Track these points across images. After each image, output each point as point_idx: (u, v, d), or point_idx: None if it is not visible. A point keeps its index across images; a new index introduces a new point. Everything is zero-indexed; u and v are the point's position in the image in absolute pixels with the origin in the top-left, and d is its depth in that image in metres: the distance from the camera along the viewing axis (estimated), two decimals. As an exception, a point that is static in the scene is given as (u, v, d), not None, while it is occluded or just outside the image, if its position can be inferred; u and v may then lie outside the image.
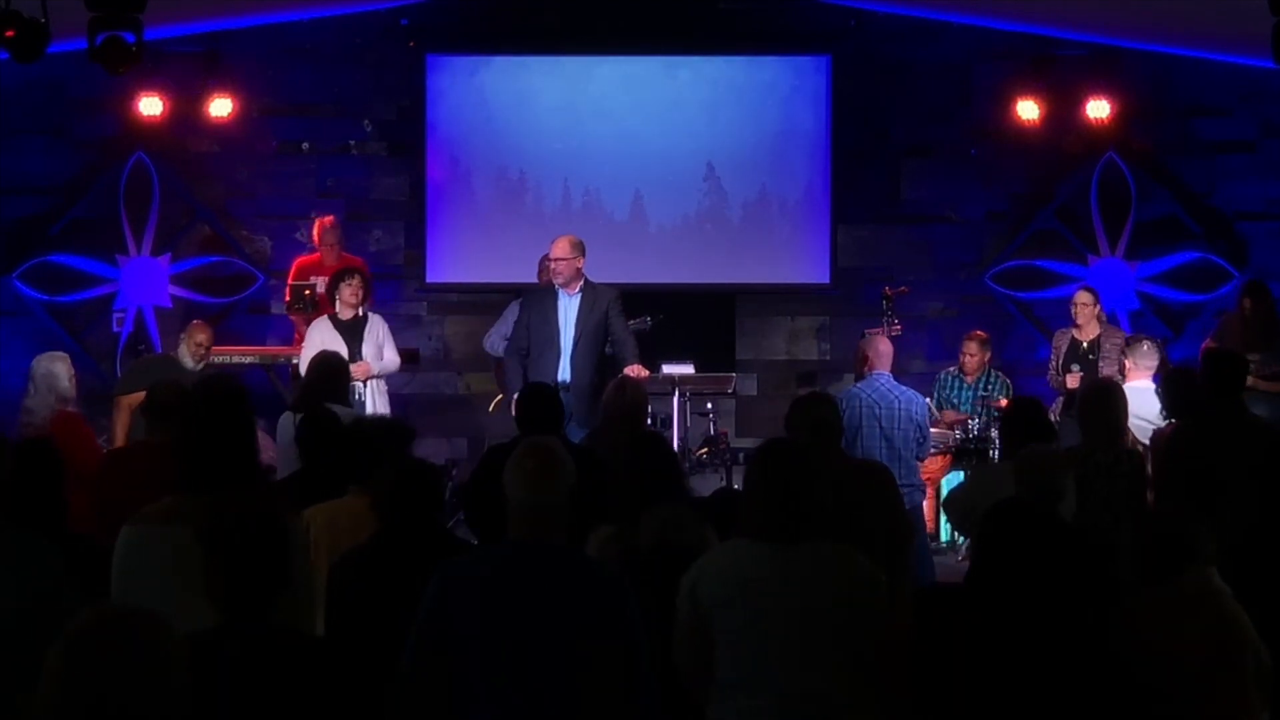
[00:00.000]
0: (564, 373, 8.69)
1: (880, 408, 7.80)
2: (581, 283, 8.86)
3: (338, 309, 9.48)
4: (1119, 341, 9.87)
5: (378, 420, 6.83)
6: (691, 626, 4.24)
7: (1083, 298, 10.05)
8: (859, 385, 8.03)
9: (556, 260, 8.87)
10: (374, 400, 9.34)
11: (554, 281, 8.89)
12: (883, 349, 8.20)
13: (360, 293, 9.48)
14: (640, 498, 5.05)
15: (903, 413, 7.81)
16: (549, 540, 3.97)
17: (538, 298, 9.00)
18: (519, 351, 8.92)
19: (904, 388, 8.15)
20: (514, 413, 8.44)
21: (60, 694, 2.81)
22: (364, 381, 9.29)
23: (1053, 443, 6.45)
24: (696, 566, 4.31)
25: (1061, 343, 10.08)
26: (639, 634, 3.94)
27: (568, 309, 8.84)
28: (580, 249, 8.89)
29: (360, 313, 9.50)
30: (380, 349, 9.45)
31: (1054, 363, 10.08)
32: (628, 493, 5.21)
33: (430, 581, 3.95)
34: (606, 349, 9.18)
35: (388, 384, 9.70)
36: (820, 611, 4.14)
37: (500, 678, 3.85)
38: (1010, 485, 5.81)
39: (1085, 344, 9.92)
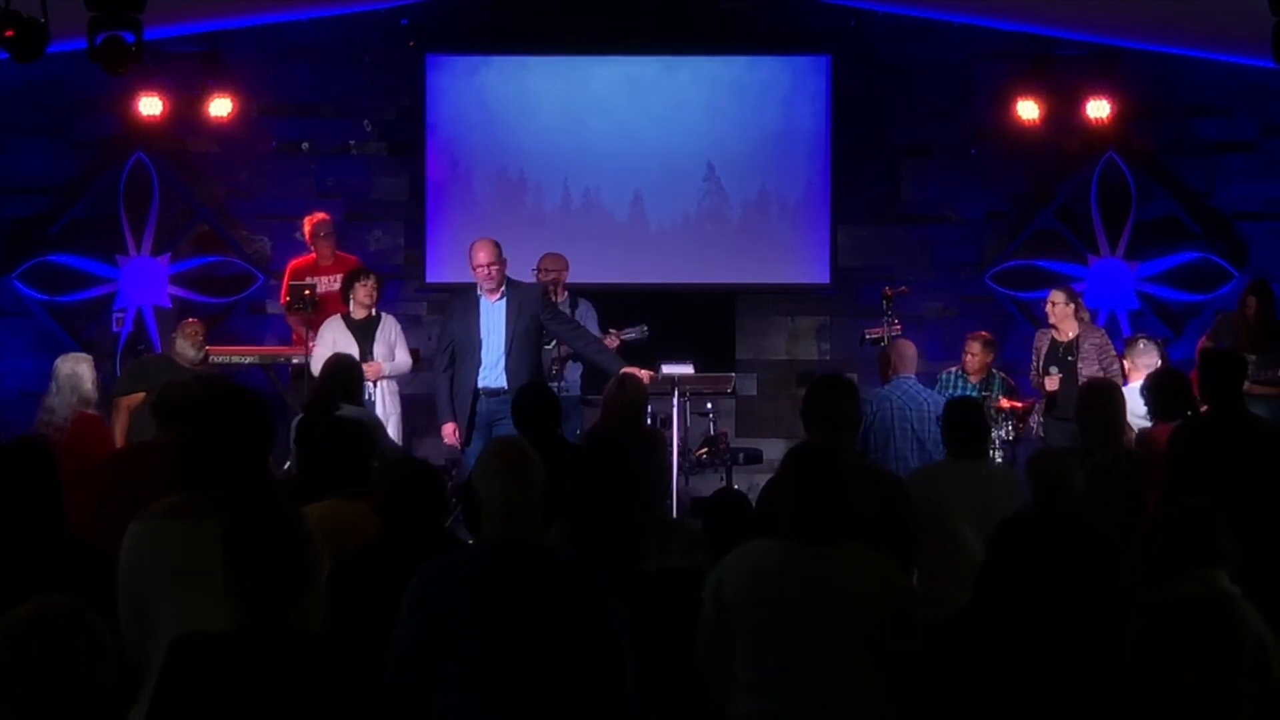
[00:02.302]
0: (498, 380, 8.55)
1: (910, 410, 7.92)
2: (504, 286, 8.68)
3: (351, 309, 9.51)
4: (1098, 341, 9.85)
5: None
6: (714, 625, 4.25)
7: (1054, 297, 10.00)
8: (888, 388, 8.19)
9: (489, 266, 8.60)
10: (384, 401, 9.35)
11: (483, 287, 8.65)
12: (907, 353, 8.32)
13: (375, 293, 9.52)
14: (590, 504, 5.04)
15: (931, 415, 7.89)
16: (524, 538, 3.97)
17: (459, 307, 8.79)
18: (447, 369, 8.70)
19: (930, 390, 8.24)
20: (450, 439, 8.53)
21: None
22: (374, 382, 9.31)
23: (986, 443, 6.53)
24: (722, 565, 4.32)
25: (1041, 344, 10.04)
26: (619, 627, 3.94)
27: (491, 314, 8.64)
28: (502, 251, 8.68)
29: (373, 313, 9.52)
30: (392, 349, 9.47)
31: (1035, 364, 10.04)
32: (580, 497, 5.20)
33: (410, 583, 3.95)
34: (563, 352, 9.20)
35: (398, 384, 9.70)
36: (841, 614, 4.13)
37: (482, 676, 3.86)
38: (947, 483, 5.87)
39: (1064, 345, 9.89)
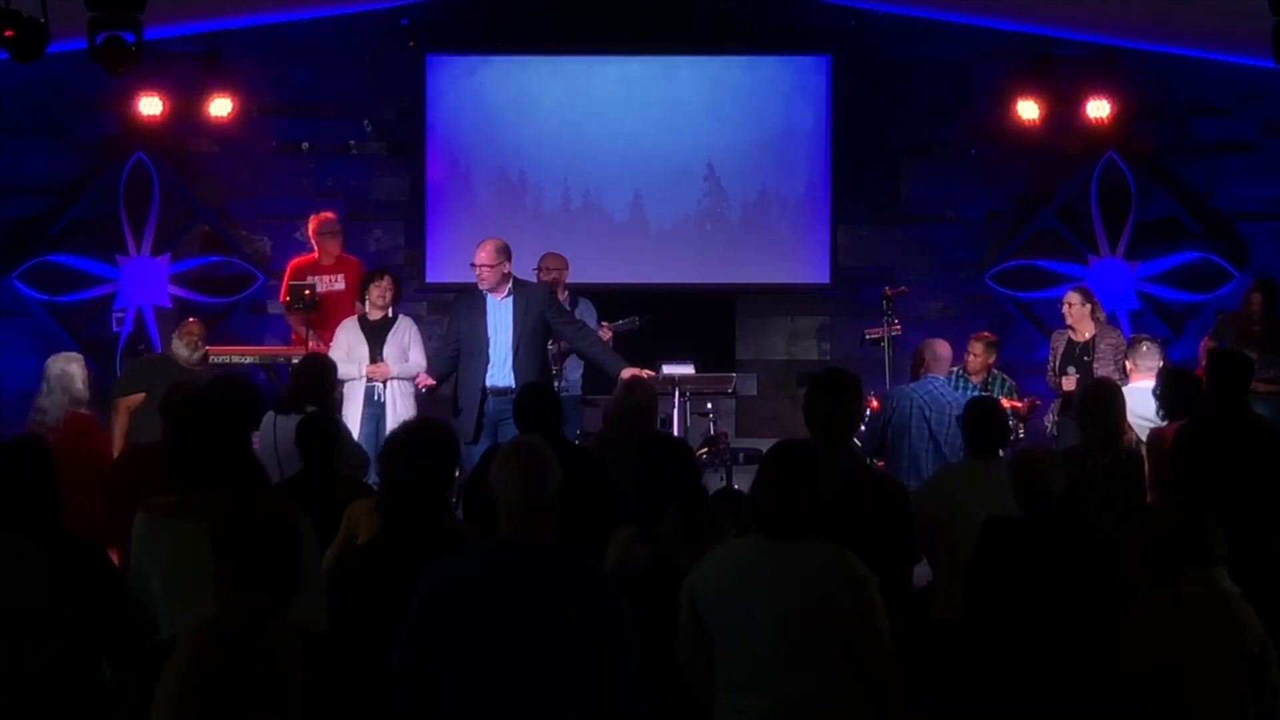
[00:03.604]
0: (505, 379, 8.56)
1: (930, 410, 7.85)
2: (510, 285, 8.71)
3: (366, 310, 9.53)
4: (1114, 341, 9.87)
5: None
6: (691, 625, 4.26)
7: (1070, 299, 10.04)
8: (912, 386, 8.14)
9: (480, 266, 8.66)
10: (396, 402, 9.33)
11: (480, 286, 8.71)
12: (941, 353, 8.26)
13: (389, 294, 9.53)
14: (660, 497, 5.06)
15: (953, 417, 7.82)
16: (537, 539, 3.97)
17: (465, 305, 8.83)
18: (449, 360, 8.81)
19: (957, 393, 8.17)
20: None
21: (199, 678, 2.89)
22: (384, 383, 9.30)
23: (1007, 444, 6.49)
24: (698, 565, 4.32)
25: (1059, 344, 10.08)
26: (627, 633, 3.93)
27: (498, 313, 8.68)
28: (506, 253, 8.72)
29: (389, 314, 9.54)
30: (405, 351, 9.46)
31: (1052, 363, 10.09)
32: (647, 493, 5.23)
33: (419, 581, 3.95)
34: (562, 348, 9.21)
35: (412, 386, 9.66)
36: (808, 610, 4.13)
37: (487, 676, 3.85)
38: (969, 484, 5.85)
39: (1080, 345, 9.91)
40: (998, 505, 5.86)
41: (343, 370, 8.77)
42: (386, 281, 9.56)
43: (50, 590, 4.18)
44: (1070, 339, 9.99)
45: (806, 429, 5.62)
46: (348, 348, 9.29)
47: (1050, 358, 10.14)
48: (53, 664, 4.14)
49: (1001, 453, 6.34)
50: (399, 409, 9.22)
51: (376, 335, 9.44)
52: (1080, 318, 9.93)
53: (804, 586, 4.15)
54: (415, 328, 9.67)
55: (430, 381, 8.97)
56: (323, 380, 7.72)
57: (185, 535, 4.15)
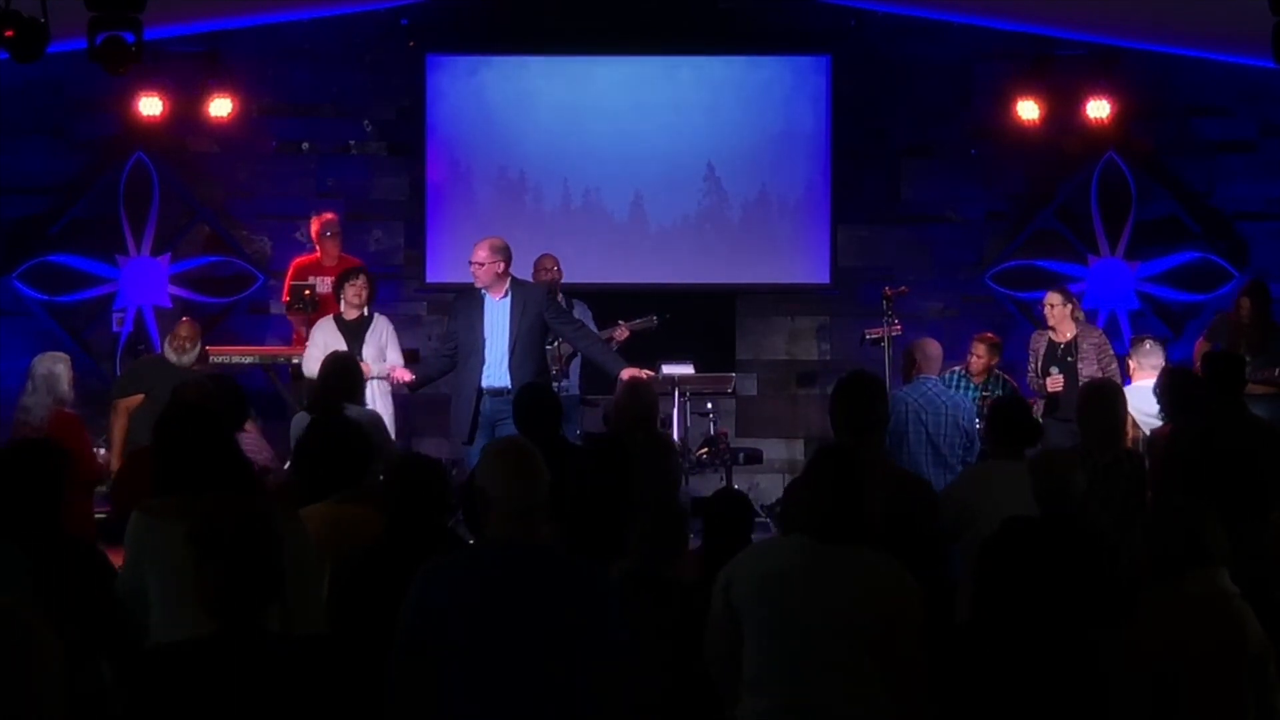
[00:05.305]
0: (501, 379, 8.54)
1: (926, 413, 7.77)
2: (508, 284, 8.69)
3: (342, 309, 9.51)
4: (1096, 340, 9.88)
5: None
6: (722, 622, 4.25)
7: (1051, 299, 10.02)
8: (906, 389, 8.03)
9: (475, 264, 8.64)
10: (375, 401, 9.32)
11: (477, 284, 8.69)
12: (931, 353, 8.18)
13: (364, 293, 9.50)
14: (588, 505, 5.06)
15: (949, 418, 7.77)
16: (530, 539, 3.97)
17: (464, 304, 8.82)
18: (445, 359, 8.84)
19: (951, 393, 8.12)
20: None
21: None
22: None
23: (1037, 443, 6.47)
24: (733, 561, 4.33)
25: (1039, 345, 10.05)
26: (623, 631, 3.93)
27: (495, 313, 8.65)
28: (501, 252, 8.67)
29: (365, 313, 9.52)
30: (383, 350, 9.44)
31: (1032, 365, 10.05)
32: (580, 497, 5.23)
33: (413, 583, 3.94)
34: (564, 348, 9.21)
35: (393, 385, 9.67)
36: (850, 615, 4.12)
37: (484, 677, 3.85)
38: (998, 483, 5.83)
39: (1062, 345, 9.90)
40: (1021, 506, 5.84)
41: None
42: (362, 280, 9.54)
43: (21, 594, 4.15)
44: (1051, 340, 9.97)
45: (832, 431, 5.60)
46: (324, 347, 9.21)
47: (1030, 359, 10.11)
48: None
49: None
50: (378, 408, 9.22)
51: (354, 334, 9.41)
52: (1061, 318, 9.92)
53: (849, 592, 4.14)
54: (391, 327, 9.65)
55: (408, 376, 8.97)
56: (350, 377, 7.71)
57: (179, 537, 4.15)
